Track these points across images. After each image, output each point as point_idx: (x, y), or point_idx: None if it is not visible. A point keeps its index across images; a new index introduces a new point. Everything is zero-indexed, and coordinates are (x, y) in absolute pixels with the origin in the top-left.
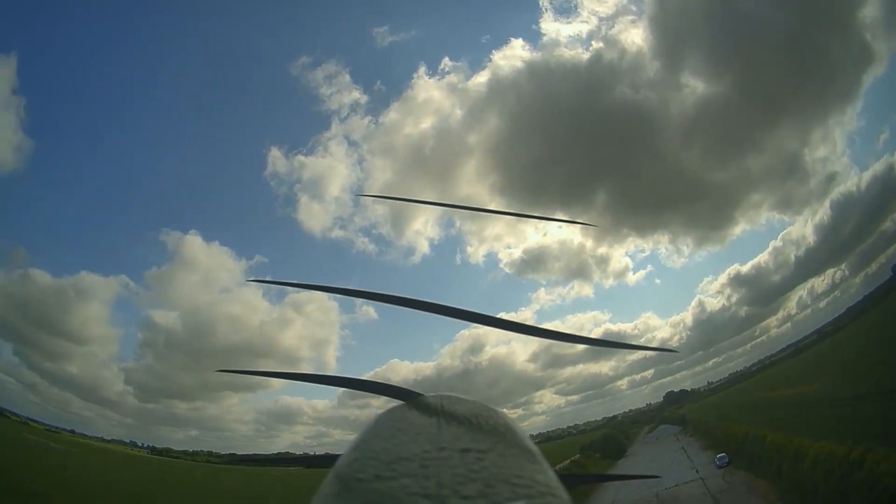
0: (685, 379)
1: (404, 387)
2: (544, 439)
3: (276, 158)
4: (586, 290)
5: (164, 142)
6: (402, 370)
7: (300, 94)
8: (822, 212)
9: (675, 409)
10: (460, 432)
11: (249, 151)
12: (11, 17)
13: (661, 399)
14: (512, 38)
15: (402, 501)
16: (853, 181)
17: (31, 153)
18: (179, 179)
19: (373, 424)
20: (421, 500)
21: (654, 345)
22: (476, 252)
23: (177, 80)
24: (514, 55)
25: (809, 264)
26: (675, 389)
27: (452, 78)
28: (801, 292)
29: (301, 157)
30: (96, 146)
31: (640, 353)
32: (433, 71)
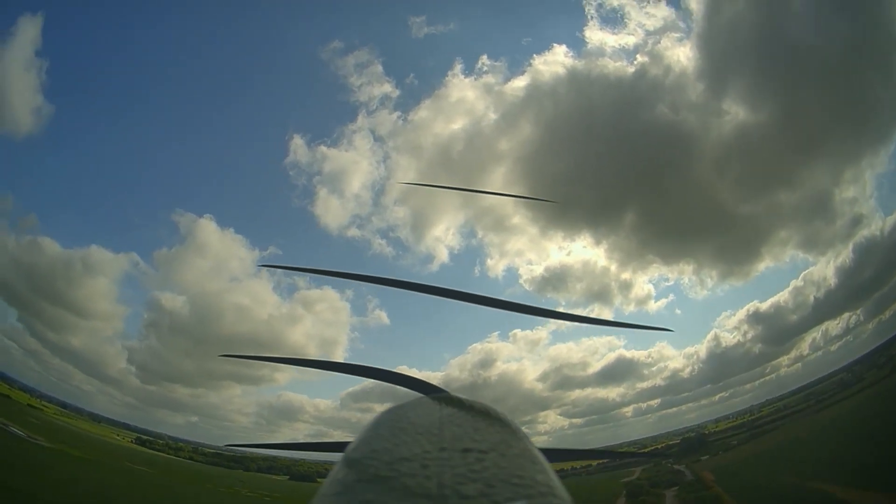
0: (691, 411)
1: (429, 382)
2: None
3: (297, 147)
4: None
5: (184, 119)
6: (410, 371)
7: (328, 82)
8: (845, 254)
9: (692, 463)
10: (461, 432)
11: (271, 136)
12: None
13: (676, 444)
14: (555, 44)
15: (403, 501)
16: (877, 225)
17: (50, 118)
18: (197, 159)
19: (373, 424)
20: (421, 500)
21: (665, 376)
22: (496, 265)
23: (203, 56)
24: (555, 61)
25: (827, 307)
26: (686, 429)
27: (489, 78)
28: (816, 334)
29: (324, 148)
30: (116, 118)
31: (650, 382)
32: (469, 69)
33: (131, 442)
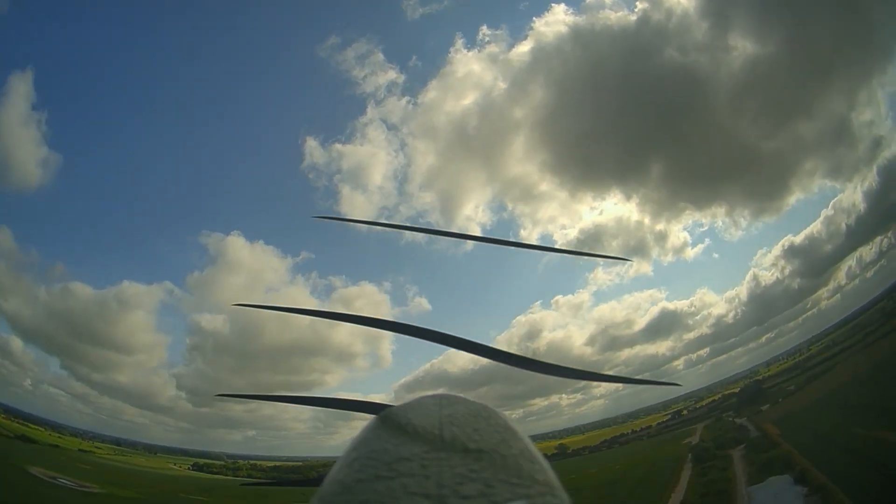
0: (740, 356)
1: (377, 401)
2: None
3: (312, 149)
4: (645, 268)
5: (196, 140)
6: (459, 360)
7: (332, 78)
8: (871, 177)
9: (753, 415)
10: (460, 432)
11: (284, 144)
12: (23, 32)
13: (735, 394)
14: (553, 4)
15: (402, 501)
16: None
17: (58, 167)
18: (215, 178)
19: (373, 424)
20: (421, 499)
21: (710, 323)
22: (530, 235)
23: (202, 78)
24: (556, 20)
25: (859, 232)
26: (739, 374)
27: (493, 48)
28: (851, 262)
29: (339, 146)
30: (123, 153)
31: (696, 332)
32: (471, 42)
33: (188, 469)
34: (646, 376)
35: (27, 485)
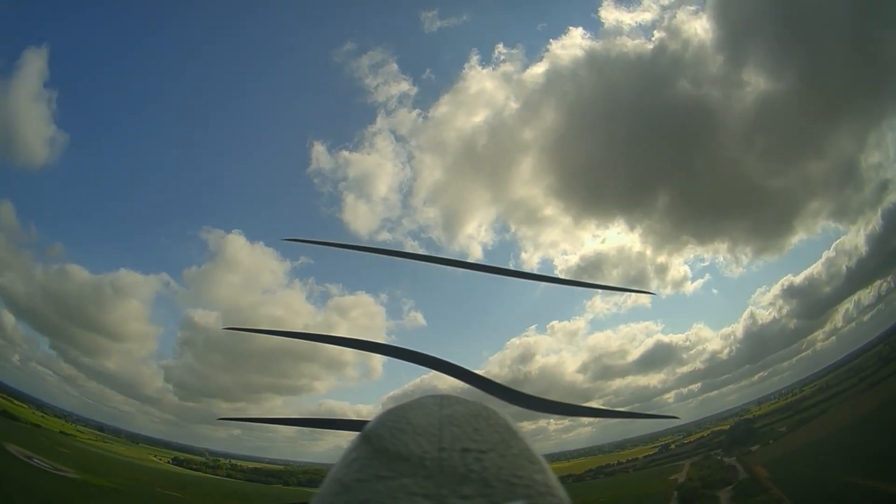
0: (731, 393)
1: (357, 419)
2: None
3: (319, 154)
4: (643, 300)
5: (204, 135)
6: (448, 378)
7: (344, 85)
8: (875, 221)
9: (742, 455)
10: (460, 433)
11: (291, 146)
12: (40, 7)
13: (724, 432)
14: (571, 27)
15: (402, 501)
16: None
17: (65, 147)
18: (220, 174)
19: (373, 424)
20: (420, 499)
21: (704, 359)
22: (531, 258)
23: (217, 68)
24: (573, 44)
25: (859, 276)
26: (728, 411)
27: (507, 67)
28: (849, 305)
29: (346, 153)
30: (132, 141)
31: (689, 366)
32: (486, 59)
33: (168, 462)
34: (635, 408)
35: (0, 461)
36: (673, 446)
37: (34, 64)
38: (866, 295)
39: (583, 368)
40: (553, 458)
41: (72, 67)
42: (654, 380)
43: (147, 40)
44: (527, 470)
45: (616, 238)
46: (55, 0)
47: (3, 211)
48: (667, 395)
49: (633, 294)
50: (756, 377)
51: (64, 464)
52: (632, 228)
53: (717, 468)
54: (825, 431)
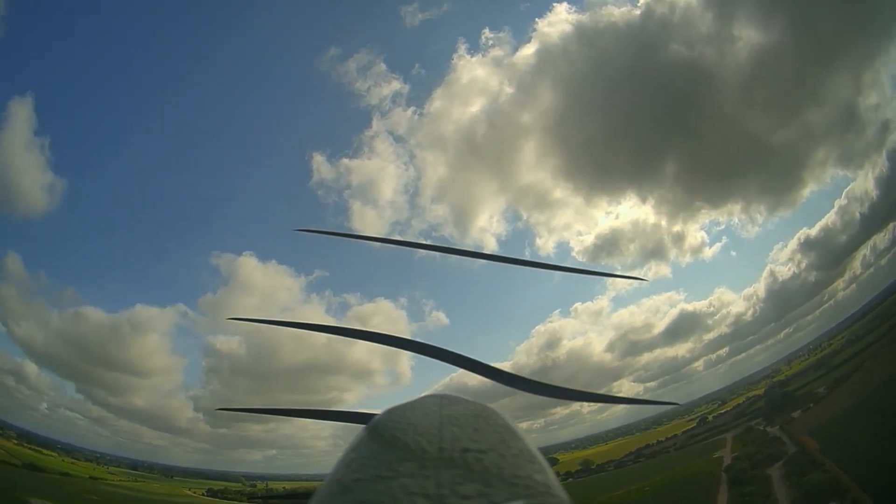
0: (759, 353)
1: (363, 411)
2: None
3: (319, 164)
4: (664, 270)
5: (201, 163)
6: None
7: (334, 91)
8: (881, 163)
9: (785, 424)
10: (460, 432)
11: (291, 161)
12: (22, 56)
13: (760, 397)
14: (555, 3)
15: (402, 501)
16: None
17: (65, 191)
18: (223, 199)
19: (373, 424)
20: (420, 499)
21: (729, 322)
22: (546, 243)
23: (204, 98)
24: (559, 20)
25: (873, 220)
26: (758, 373)
27: (497, 51)
28: (865, 251)
29: (346, 161)
30: (130, 177)
31: (716, 332)
32: (474, 47)
33: (203, 494)
34: (666, 380)
35: None
36: (710, 417)
37: (21, 113)
38: (881, 239)
39: (610, 347)
40: (591, 440)
41: (59, 110)
42: (681, 350)
43: (131, 73)
44: (527, 470)
45: (629, 212)
46: (33, 47)
47: (10, 263)
48: (696, 364)
49: (654, 266)
50: (782, 334)
51: None
52: (644, 200)
53: (762, 441)
54: (865, 390)
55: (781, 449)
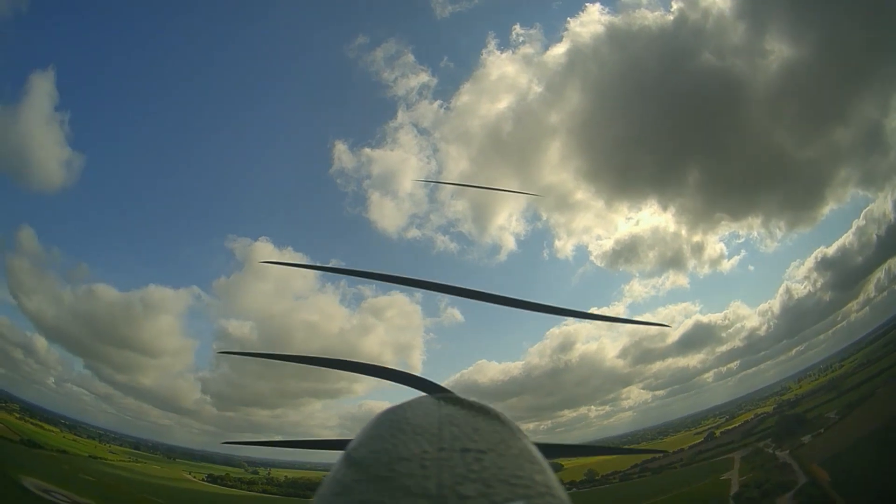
0: (769, 369)
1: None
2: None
3: (341, 153)
4: (681, 280)
5: (222, 143)
6: (489, 371)
7: (361, 80)
8: None
9: (794, 449)
10: (460, 432)
11: (313, 147)
12: (44, 31)
13: (768, 415)
14: (587, 3)
15: (402, 501)
16: None
17: (82, 167)
18: (242, 182)
19: (373, 424)
20: (420, 500)
21: (743, 336)
22: (565, 246)
23: (230, 80)
24: (591, 21)
25: (889, 243)
26: (767, 388)
27: (527, 49)
28: (880, 274)
29: (368, 150)
30: (149, 155)
31: (728, 345)
32: (504, 43)
33: (202, 480)
34: (674, 390)
35: (13, 499)
36: (718, 433)
37: (42, 88)
38: None
39: (623, 353)
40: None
41: (81, 86)
42: (693, 360)
43: (156, 51)
44: (527, 470)
45: (650, 219)
46: (56, 21)
47: (24, 236)
48: (706, 375)
49: (672, 276)
50: (793, 352)
51: (85, 495)
52: (665, 208)
53: (771, 466)
54: (878, 420)
55: (791, 478)
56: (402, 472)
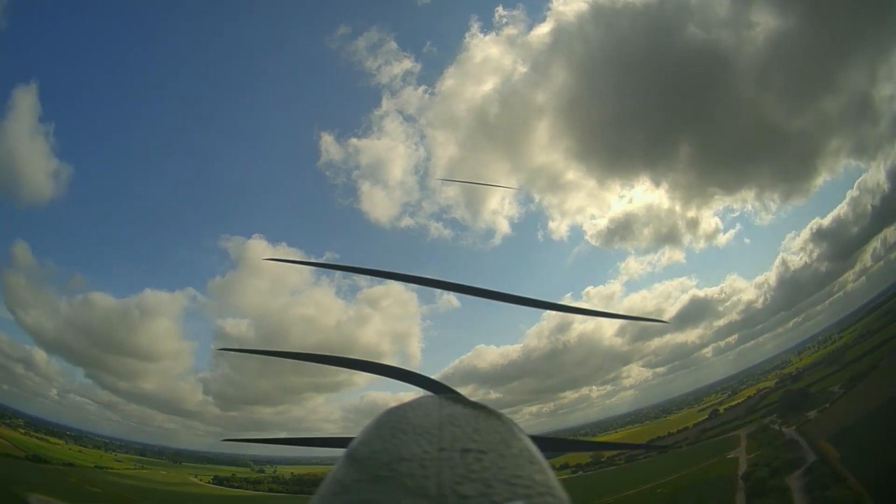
0: (768, 342)
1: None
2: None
3: (328, 144)
4: (677, 256)
5: (208, 145)
6: (488, 355)
7: (344, 70)
8: (894, 155)
9: (801, 426)
10: (460, 433)
11: (298, 141)
12: (25, 44)
13: (770, 389)
14: None
15: (402, 501)
16: None
17: (70, 177)
18: (231, 181)
19: (373, 424)
20: (420, 500)
21: (740, 310)
22: (559, 227)
23: (210, 79)
24: None
25: (884, 213)
26: (766, 361)
27: (510, 30)
28: (876, 244)
29: (354, 141)
30: (137, 161)
31: (726, 319)
32: (487, 25)
33: (209, 482)
34: (674, 366)
35: None
36: (721, 409)
37: (25, 101)
38: (892, 233)
39: (621, 332)
40: (600, 427)
41: (64, 97)
42: (691, 335)
43: (135, 56)
44: (527, 470)
45: (643, 196)
46: (36, 34)
47: (18, 251)
48: (705, 350)
49: (668, 251)
50: (791, 324)
51: None
52: (657, 185)
53: (779, 444)
54: (884, 394)
55: (799, 455)
56: (403, 472)
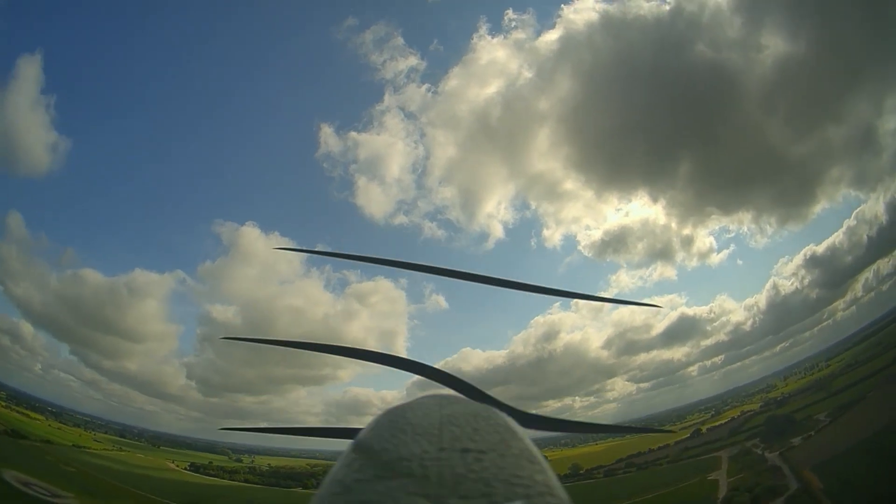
0: (754, 364)
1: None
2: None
3: (327, 136)
4: (669, 272)
5: (209, 127)
6: (473, 359)
7: (349, 63)
8: (894, 188)
9: (785, 451)
10: (460, 432)
11: (298, 130)
12: (31, 14)
13: (756, 416)
14: None
15: (402, 501)
16: None
17: (69, 151)
18: (228, 166)
19: (373, 424)
20: (420, 500)
21: (728, 331)
22: (553, 235)
23: (216, 62)
24: (586, 7)
25: (880, 244)
26: (751, 384)
27: (519, 34)
28: (868, 274)
29: (354, 134)
30: (136, 139)
31: (713, 339)
32: (496, 27)
33: (185, 469)
34: (659, 382)
35: None
36: (704, 429)
37: (29, 71)
38: (885, 264)
39: (607, 344)
40: (581, 438)
41: (68, 70)
42: (678, 353)
43: (143, 35)
44: (527, 470)
45: (639, 211)
46: (44, 5)
47: (11, 222)
48: (690, 369)
49: (660, 267)
50: (778, 348)
51: (65, 487)
52: (655, 200)
53: (762, 469)
54: (871, 427)
55: (782, 482)
56: (403, 471)
